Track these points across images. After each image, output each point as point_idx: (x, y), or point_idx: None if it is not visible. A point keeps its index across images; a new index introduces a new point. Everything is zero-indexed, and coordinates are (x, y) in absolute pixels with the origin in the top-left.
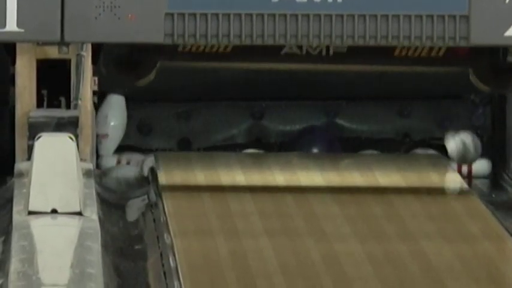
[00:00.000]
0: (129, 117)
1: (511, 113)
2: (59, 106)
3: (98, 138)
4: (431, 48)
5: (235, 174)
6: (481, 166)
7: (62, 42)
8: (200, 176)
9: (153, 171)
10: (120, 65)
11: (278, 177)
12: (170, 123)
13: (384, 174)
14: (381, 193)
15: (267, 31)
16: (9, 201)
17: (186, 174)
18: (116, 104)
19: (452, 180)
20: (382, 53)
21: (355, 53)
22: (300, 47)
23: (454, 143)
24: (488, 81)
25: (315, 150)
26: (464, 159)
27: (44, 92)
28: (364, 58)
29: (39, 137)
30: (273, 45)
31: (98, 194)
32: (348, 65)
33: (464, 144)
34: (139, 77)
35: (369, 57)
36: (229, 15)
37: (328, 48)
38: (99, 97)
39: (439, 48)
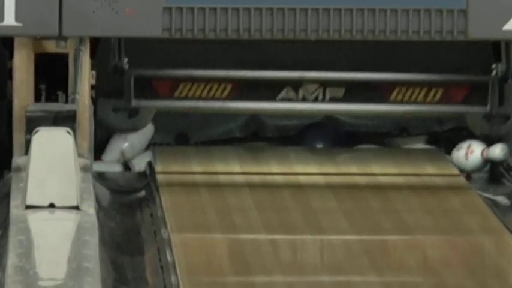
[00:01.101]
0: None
1: (508, 107)
2: (56, 100)
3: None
4: (427, 92)
5: (232, 169)
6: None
7: (60, 37)
8: (198, 171)
9: (150, 165)
10: (118, 113)
11: (276, 171)
12: (168, 118)
13: (381, 168)
14: (378, 187)
15: (264, 26)
16: (7, 195)
17: (184, 169)
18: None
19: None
20: (378, 97)
21: (351, 97)
22: (296, 92)
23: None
24: (483, 126)
25: (318, 146)
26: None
27: (42, 86)
28: (360, 102)
29: (37, 131)
30: (269, 89)
31: (95, 188)
32: (344, 109)
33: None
34: (137, 125)
35: (365, 100)
36: (226, 9)
37: (324, 93)
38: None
39: (435, 93)
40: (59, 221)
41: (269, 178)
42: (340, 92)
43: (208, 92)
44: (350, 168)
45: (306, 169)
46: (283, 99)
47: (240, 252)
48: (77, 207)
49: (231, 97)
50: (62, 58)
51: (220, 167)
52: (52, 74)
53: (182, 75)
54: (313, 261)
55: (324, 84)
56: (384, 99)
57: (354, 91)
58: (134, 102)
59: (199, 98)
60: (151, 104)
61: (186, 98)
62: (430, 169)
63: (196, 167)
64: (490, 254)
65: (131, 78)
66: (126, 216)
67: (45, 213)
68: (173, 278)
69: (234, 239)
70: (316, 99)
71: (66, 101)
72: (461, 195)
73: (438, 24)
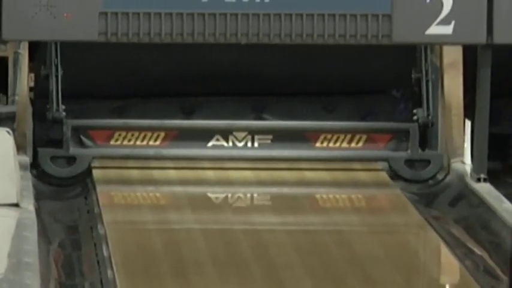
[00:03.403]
0: (67, 111)
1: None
2: None
3: None
4: (351, 139)
5: (167, 169)
6: None
7: (0, 41)
8: (133, 170)
9: (88, 164)
10: (55, 161)
11: (208, 171)
12: (105, 118)
13: (308, 164)
14: (308, 187)
15: (196, 30)
16: None
17: (120, 168)
18: None
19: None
20: (305, 144)
21: (278, 143)
22: (226, 139)
23: None
24: (405, 170)
25: None
26: None
27: None
28: (287, 148)
29: None
30: (201, 137)
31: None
32: (273, 155)
33: None
34: (74, 171)
35: (292, 146)
36: (160, 14)
37: (253, 140)
38: None
39: (359, 139)
40: (0, 218)
41: (200, 173)
42: (267, 139)
43: (142, 139)
44: (282, 170)
45: (236, 165)
46: (214, 146)
47: (175, 248)
48: (17, 205)
49: (164, 144)
50: (2, 61)
51: (155, 166)
52: None
53: (117, 124)
54: (246, 254)
55: (252, 132)
56: (310, 146)
57: (281, 138)
58: (72, 151)
59: (134, 145)
60: (89, 152)
61: (121, 145)
62: (359, 170)
63: (132, 166)
64: (413, 248)
65: (69, 128)
66: (64, 212)
67: None
68: (109, 272)
69: (169, 235)
70: (245, 146)
71: (6, 103)
72: (387, 194)
73: (364, 28)
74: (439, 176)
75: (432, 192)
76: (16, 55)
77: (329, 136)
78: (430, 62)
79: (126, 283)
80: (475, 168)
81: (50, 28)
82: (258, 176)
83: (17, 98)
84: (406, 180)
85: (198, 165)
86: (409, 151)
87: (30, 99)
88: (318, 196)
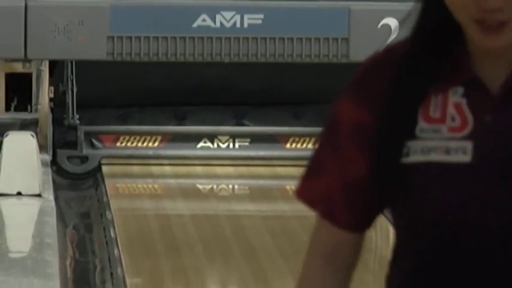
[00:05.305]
0: (80, 119)
1: None
2: (23, 110)
3: None
4: (316, 141)
5: (163, 165)
6: None
7: (25, 59)
8: (135, 166)
9: (98, 162)
10: (71, 160)
11: (197, 167)
12: (111, 124)
13: (282, 166)
14: (280, 180)
15: (187, 51)
16: None
17: (124, 165)
18: None
19: None
20: (277, 145)
21: (255, 145)
22: (212, 142)
23: None
24: None
25: None
26: None
27: (12, 98)
28: (262, 149)
29: (7, 135)
30: (191, 140)
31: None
32: (250, 155)
33: None
34: (87, 168)
35: (266, 148)
36: (158, 38)
37: (234, 142)
38: None
39: None
40: (25, 206)
41: (191, 169)
42: (246, 141)
43: (143, 142)
44: (259, 167)
45: (221, 162)
46: (202, 148)
47: (169, 231)
48: (39, 195)
49: (161, 146)
50: (27, 76)
51: (153, 162)
52: (19, 89)
53: (122, 130)
54: (228, 236)
55: (234, 136)
56: (281, 147)
57: (258, 141)
58: (85, 151)
59: (136, 147)
60: (99, 152)
61: (125, 147)
62: None
63: (134, 163)
64: (373, 240)
65: (82, 133)
66: (79, 201)
67: (14, 200)
68: (116, 251)
69: (165, 220)
70: (228, 147)
71: (31, 111)
72: None
73: (325, 49)
74: None
75: None
76: (39, 71)
77: (297, 139)
78: None
79: (129, 260)
80: None
81: (66, 49)
82: (239, 171)
83: (39, 107)
84: None
85: (189, 163)
86: None
87: (50, 108)
88: (288, 187)
